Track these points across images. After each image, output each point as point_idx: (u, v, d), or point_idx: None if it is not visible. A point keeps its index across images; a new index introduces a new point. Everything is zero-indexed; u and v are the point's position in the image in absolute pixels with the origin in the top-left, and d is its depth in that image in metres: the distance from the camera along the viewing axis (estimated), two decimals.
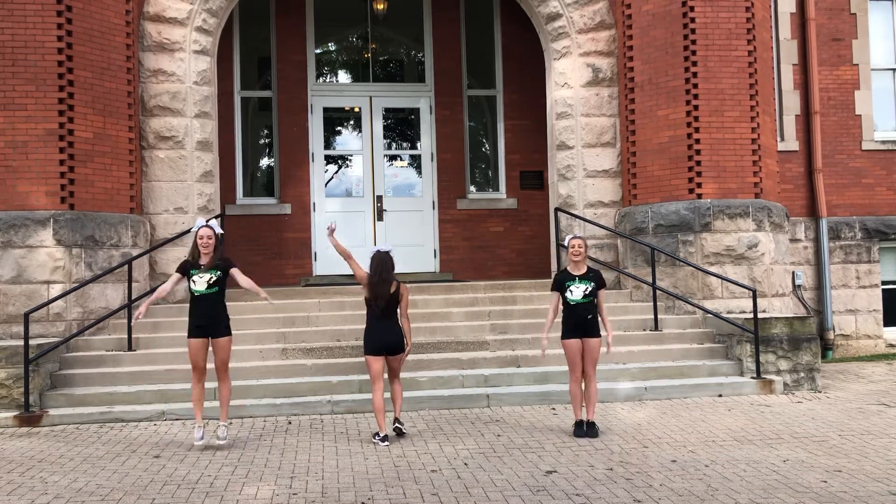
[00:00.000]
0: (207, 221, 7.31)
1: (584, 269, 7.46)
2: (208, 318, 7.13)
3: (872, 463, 6.32)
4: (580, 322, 7.37)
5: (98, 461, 6.75)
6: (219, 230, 7.34)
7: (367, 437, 7.44)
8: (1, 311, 9.35)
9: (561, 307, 7.50)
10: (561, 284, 7.45)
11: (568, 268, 7.51)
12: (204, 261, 7.19)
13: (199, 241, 7.15)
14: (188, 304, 7.30)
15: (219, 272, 7.19)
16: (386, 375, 7.55)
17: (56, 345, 8.85)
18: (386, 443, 7.15)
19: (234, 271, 7.31)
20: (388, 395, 7.74)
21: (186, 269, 7.20)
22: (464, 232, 13.64)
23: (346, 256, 7.54)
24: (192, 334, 7.16)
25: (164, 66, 10.92)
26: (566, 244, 7.55)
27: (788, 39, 13.04)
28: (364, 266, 7.52)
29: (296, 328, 10.02)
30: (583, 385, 7.48)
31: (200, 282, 7.13)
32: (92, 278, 9.50)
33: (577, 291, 7.37)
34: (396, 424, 7.40)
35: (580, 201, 11.71)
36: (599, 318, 7.49)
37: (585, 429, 7.33)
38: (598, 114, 11.77)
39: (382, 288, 7.30)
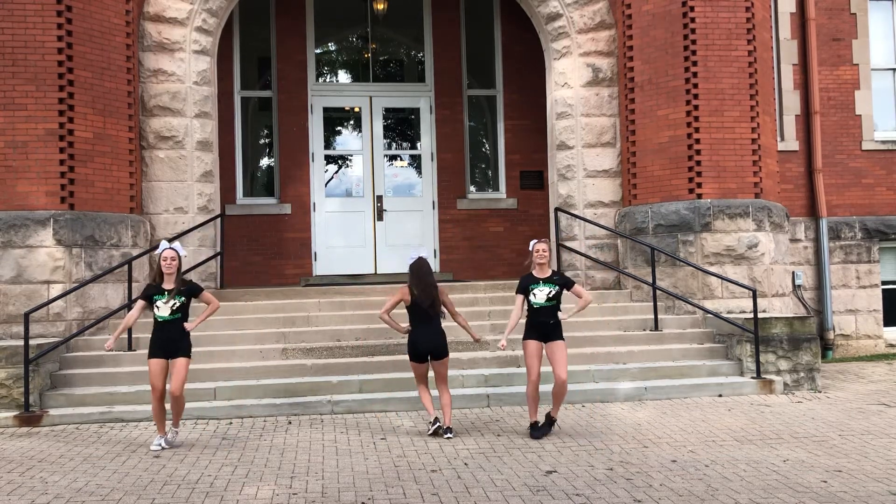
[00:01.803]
0: (171, 243, 7.39)
1: (548, 273, 7.48)
2: (170, 343, 7.19)
3: (872, 463, 6.32)
4: (541, 326, 7.38)
5: (98, 461, 6.75)
6: (183, 252, 7.41)
7: (367, 437, 7.44)
8: (1, 311, 9.35)
9: (525, 310, 7.51)
10: (525, 288, 7.47)
11: (533, 272, 7.52)
12: (168, 285, 7.22)
13: (162, 263, 7.21)
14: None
15: (182, 298, 7.24)
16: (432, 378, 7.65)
17: (56, 345, 8.85)
18: (437, 424, 7.35)
19: (205, 295, 7.38)
20: (435, 393, 7.81)
21: (150, 295, 7.23)
22: (464, 232, 13.64)
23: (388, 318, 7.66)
24: (152, 355, 7.21)
25: (164, 66, 10.92)
26: (531, 248, 7.53)
27: (788, 39, 13.04)
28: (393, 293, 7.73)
29: (296, 328, 10.02)
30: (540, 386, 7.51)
31: (164, 308, 7.17)
32: (92, 278, 9.50)
33: (540, 295, 7.39)
34: (448, 436, 7.32)
35: (580, 201, 11.71)
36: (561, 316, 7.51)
37: (539, 422, 7.37)
38: (598, 114, 11.77)
39: (428, 291, 7.41)
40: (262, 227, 13.18)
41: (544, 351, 7.43)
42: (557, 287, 7.43)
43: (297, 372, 9.21)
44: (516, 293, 7.54)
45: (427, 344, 7.36)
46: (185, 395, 7.38)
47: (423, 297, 7.38)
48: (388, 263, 13.21)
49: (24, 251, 9.40)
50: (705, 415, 8.17)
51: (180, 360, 7.19)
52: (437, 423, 7.37)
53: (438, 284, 7.58)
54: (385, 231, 13.44)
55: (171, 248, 7.30)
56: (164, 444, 7.15)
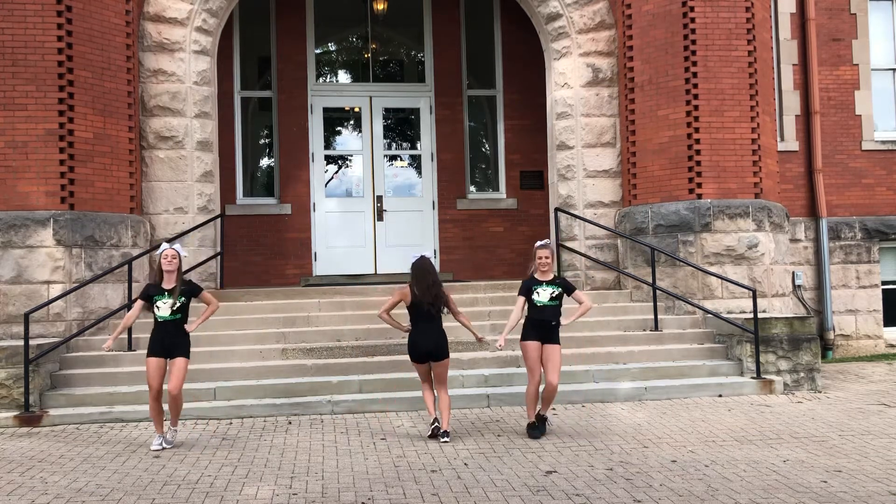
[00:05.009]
0: (172, 243, 7.41)
1: (550, 276, 7.51)
2: (170, 342, 7.20)
3: (872, 463, 6.32)
4: (542, 325, 7.38)
5: (98, 461, 6.75)
6: (183, 252, 7.45)
7: (367, 437, 7.44)
8: (1, 311, 9.35)
9: (527, 310, 7.51)
10: (528, 289, 7.47)
11: (535, 275, 7.53)
12: (168, 284, 7.23)
13: (162, 262, 7.21)
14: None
15: (183, 298, 7.25)
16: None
17: (56, 345, 8.85)
18: (436, 425, 7.27)
19: (205, 296, 7.40)
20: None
21: (150, 295, 7.24)
22: (464, 232, 13.64)
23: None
24: (151, 354, 7.21)
25: (164, 66, 10.92)
26: (535, 250, 7.54)
27: (788, 39, 13.04)
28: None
29: (296, 328, 10.02)
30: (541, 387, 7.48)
31: (164, 307, 7.18)
32: (92, 278, 9.50)
33: (543, 294, 7.41)
34: (444, 439, 7.22)
35: (580, 201, 11.71)
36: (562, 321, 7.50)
37: (536, 422, 7.35)
38: (598, 114, 11.77)
39: (430, 291, 7.34)
40: (262, 227, 13.18)
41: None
42: (560, 289, 7.47)
43: (297, 372, 9.21)
44: (518, 294, 7.54)
45: (427, 344, 7.32)
46: (185, 395, 7.40)
47: (424, 296, 7.33)
48: (389, 263, 13.21)
49: (24, 251, 9.40)
50: (705, 415, 8.17)
51: (179, 360, 7.20)
52: (436, 424, 7.34)
53: (442, 283, 7.56)
54: (385, 231, 13.44)
55: (171, 247, 7.33)
56: (163, 444, 7.15)
